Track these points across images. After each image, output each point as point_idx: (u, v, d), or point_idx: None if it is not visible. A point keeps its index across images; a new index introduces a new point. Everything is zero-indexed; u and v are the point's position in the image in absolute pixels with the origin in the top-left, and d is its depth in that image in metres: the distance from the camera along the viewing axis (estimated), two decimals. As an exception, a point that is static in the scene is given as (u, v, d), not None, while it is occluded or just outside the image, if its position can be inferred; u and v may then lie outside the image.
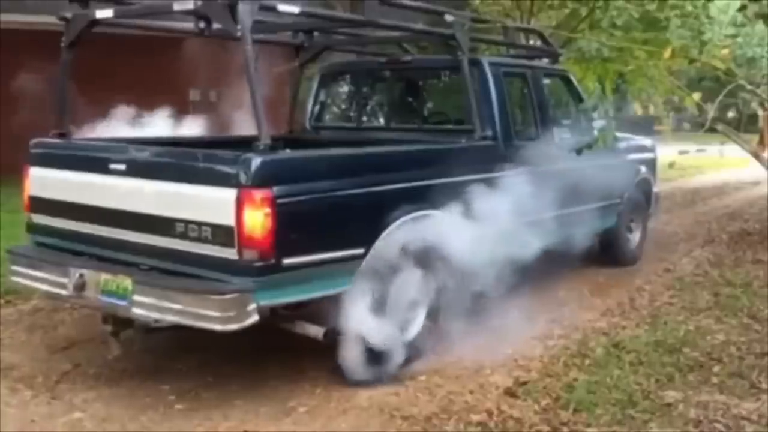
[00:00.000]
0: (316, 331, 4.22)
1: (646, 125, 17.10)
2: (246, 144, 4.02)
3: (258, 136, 3.86)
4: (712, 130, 8.18)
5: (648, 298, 6.31)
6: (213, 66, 7.20)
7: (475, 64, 5.48)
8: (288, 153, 4.39)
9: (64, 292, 4.33)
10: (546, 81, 6.41)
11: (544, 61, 6.85)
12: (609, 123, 6.41)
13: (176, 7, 4.12)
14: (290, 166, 4.11)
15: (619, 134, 6.84)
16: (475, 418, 3.96)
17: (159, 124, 5.80)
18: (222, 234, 3.78)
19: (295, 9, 4.29)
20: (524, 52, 7.42)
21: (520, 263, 4.91)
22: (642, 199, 7.66)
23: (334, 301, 4.15)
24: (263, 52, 5.08)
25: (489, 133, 5.40)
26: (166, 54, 7.41)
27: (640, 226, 7.68)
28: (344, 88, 7.00)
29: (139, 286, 4.01)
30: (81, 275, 4.25)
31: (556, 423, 3.92)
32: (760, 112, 12.34)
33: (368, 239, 4.27)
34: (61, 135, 4.80)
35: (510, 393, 4.28)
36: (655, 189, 8.00)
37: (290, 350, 4.64)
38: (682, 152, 9.64)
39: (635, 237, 7.62)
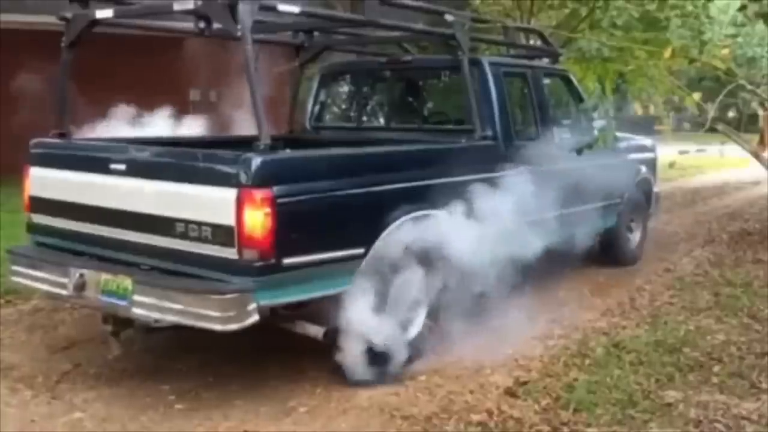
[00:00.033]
0: (316, 331, 4.22)
1: (646, 125, 17.14)
2: (246, 144, 4.02)
3: (258, 136, 3.86)
4: (713, 130, 8.18)
5: (648, 298, 6.30)
6: (213, 66, 7.19)
7: (476, 64, 5.48)
8: (288, 153, 4.39)
9: (64, 292, 4.33)
10: (546, 81, 6.41)
11: (545, 61, 6.85)
12: (609, 123, 6.41)
13: (176, 7, 4.13)
14: (290, 166, 4.10)
15: (619, 134, 6.84)
16: (475, 418, 3.96)
17: (159, 124, 5.79)
18: (222, 234, 3.79)
19: (295, 9, 4.29)
20: (524, 52, 7.42)
21: (520, 263, 4.90)
22: (642, 199, 7.65)
23: (335, 300, 4.15)
24: (263, 52, 5.09)
25: (489, 133, 5.40)
26: (166, 54, 7.42)
27: (641, 225, 7.68)
28: (344, 88, 7.00)
29: (139, 286, 4.01)
30: (81, 275, 4.25)
31: (557, 423, 3.92)
32: (761, 112, 12.36)
33: (368, 239, 4.27)
34: (61, 135, 4.80)
35: (510, 393, 4.28)
36: (656, 189, 8.00)
37: (290, 350, 4.64)
38: (682, 152, 9.65)
39: (635, 237, 7.62)
